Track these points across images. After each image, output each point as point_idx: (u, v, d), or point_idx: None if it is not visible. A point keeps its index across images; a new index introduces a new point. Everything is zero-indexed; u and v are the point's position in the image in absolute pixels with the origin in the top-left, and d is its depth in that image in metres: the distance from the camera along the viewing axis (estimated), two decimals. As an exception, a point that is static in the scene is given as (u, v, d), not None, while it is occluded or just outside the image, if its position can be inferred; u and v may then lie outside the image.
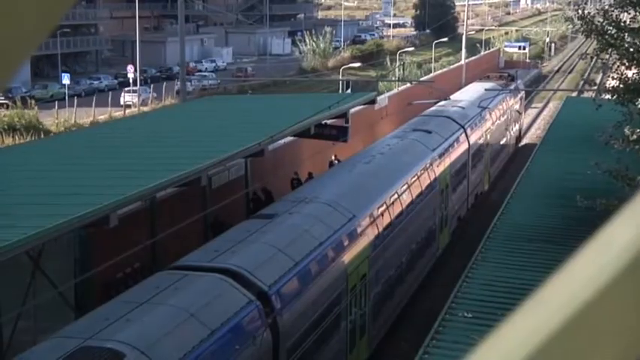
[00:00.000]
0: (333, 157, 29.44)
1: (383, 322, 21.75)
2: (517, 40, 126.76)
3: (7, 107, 61.79)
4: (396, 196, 23.18)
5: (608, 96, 17.63)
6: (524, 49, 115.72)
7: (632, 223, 0.36)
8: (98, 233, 16.25)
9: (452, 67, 75.25)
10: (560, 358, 0.37)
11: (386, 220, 21.88)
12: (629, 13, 15.86)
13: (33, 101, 63.78)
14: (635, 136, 13.91)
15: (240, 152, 21.00)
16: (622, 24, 15.97)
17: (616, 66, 16.98)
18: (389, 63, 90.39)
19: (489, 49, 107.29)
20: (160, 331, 12.47)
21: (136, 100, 66.71)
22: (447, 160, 29.64)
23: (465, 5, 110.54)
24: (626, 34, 15.72)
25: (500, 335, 0.39)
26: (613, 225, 0.38)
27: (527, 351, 0.37)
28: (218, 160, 19.75)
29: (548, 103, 66.18)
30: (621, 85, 15.92)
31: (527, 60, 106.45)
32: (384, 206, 22.08)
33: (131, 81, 71.75)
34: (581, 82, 78.21)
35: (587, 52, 20.26)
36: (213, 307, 13.73)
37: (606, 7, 16.40)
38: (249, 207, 24.41)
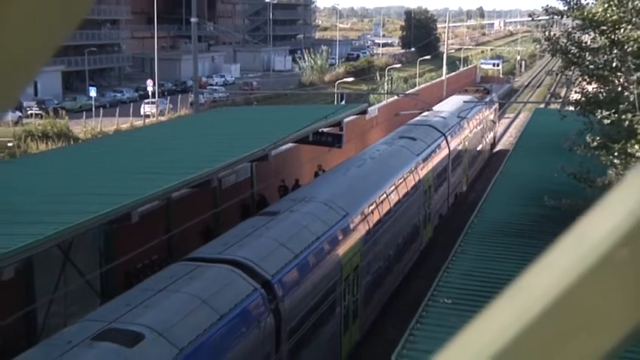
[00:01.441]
0: (317, 168, 29.25)
1: (373, 308, 21.78)
2: (492, 58, 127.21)
3: (41, 117, 62.01)
4: (384, 195, 23.22)
5: (571, 108, 17.67)
6: (498, 65, 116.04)
7: (606, 218, 0.36)
8: (121, 228, 16.25)
9: (434, 81, 75.44)
10: (539, 342, 0.36)
11: (376, 217, 21.92)
12: (590, 35, 15.89)
13: (64, 112, 64.23)
14: (595, 143, 13.91)
15: (246, 157, 21.05)
16: (583, 45, 16.01)
17: (578, 81, 17.03)
18: (378, 78, 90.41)
19: (467, 65, 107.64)
20: (175, 315, 12.48)
21: (154, 110, 66.88)
22: (430, 164, 29.69)
23: (445, 27, 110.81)
24: (587, 53, 15.77)
25: (484, 320, 0.39)
26: (588, 219, 0.37)
27: (510, 336, 0.37)
28: (227, 164, 19.77)
29: (519, 113, 66.30)
30: (583, 99, 15.97)
31: (501, 75, 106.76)
32: (374, 205, 22.12)
33: (150, 94, 71.99)
34: (548, 96, 78.34)
35: (553, 69, 20.32)
36: (223, 294, 13.73)
37: (570, 29, 16.44)
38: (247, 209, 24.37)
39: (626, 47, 13.64)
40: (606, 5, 13.92)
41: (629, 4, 13.80)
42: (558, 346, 0.36)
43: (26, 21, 0.38)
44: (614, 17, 13.85)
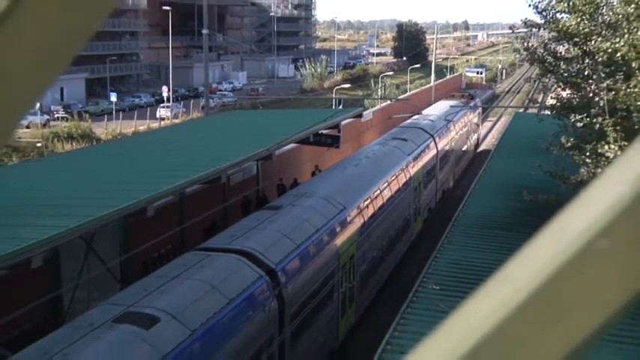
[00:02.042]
0: (314, 168, 29.17)
1: (368, 293, 21.80)
2: (476, 67, 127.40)
3: (67, 120, 62.25)
4: (378, 191, 23.23)
5: (548, 112, 17.68)
6: (481, 73, 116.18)
7: (587, 210, 0.35)
8: (138, 221, 16.27)
9: (423, 87, 75.35)
10: (523, 328, 0.36)
11: (370, 211, 21.93)
12: (564, 46, 15.91)
13: (87, 115, 64.55)
14: (569, 144, 13.91)
15: (252, 156, 21.05)
16: (558, 55, 16.04)
17: (554, 88, 17.05)
18: (373, 84, 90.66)
19: (453, 73, 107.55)
20: (188, 300, 12.50)
21: (169, 114, 67.04)
22: (420, 163, 29.70)
23: (433, 38, 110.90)
24: (562, 62, 15.79)
25: (470, 307, 0.38)
26: (569, 211, 0.37)
27: (495, 322, 0.36)
28: (234, 162, 19.77)
29: (500, 117, 66.20)
30: (558, 104, 15.99)
31: (484, 82, 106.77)
32: (369, 200, 22.13)
33: (165, 99, 72.09)
34: (527, 101, 78.29)
35: (531, 76, 20.38)
36: (231, 281, 13.76)
37: (546, 41, 16.46)
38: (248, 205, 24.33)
39: (596, 57, 13.65)
40: (579, 19, 13.92)
41: (599, 18, 13.82)
42: (541, 331, 0.36)
43: (44, 31, 0.38)
44: (586, 30, 13.86)
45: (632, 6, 12.20)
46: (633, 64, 12.54)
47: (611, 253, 0.35)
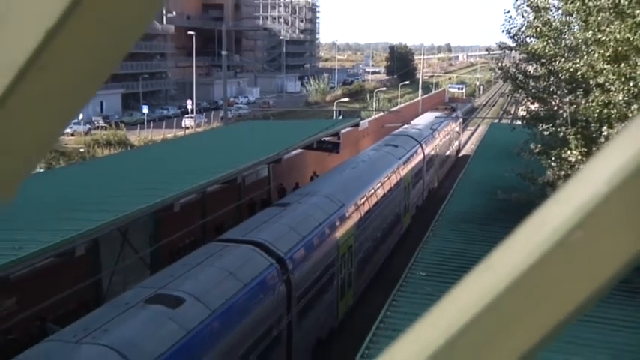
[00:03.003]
0: (312, 173, 28.99)
1: (364, 279, 21.80)
2: (457, 83, 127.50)
3: (106, 129, 62.40)
4: (373, 190, 23.23)
5: (519, 122, 17.69)
6: (462, 89, 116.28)
7: (564, 205, 0.35)
8: (166, 216, 16.30)
9: (412, 101, 75.31)
10: (506, 313, 0.36)
11: (366, 207, 21.94)
12: (532, 66, 15.92)
13: (123, 125, 64.67)
14: (537, 150, 13.92)
15: (264, 160, 21.08)
16: (527, 73, 16.05)
17: (524, 102, 17.05)
18: (368, 98, 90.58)
19: (438, 89, 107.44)
20: (209, 284, 12.52)
21: (193, 124, 67.04)
22: (409, 166, 29.68)
23: (421, 59, 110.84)
24: (530, 80, 15.81)
25: (457, 295, 0.39)
26: (547, 207, 0.37)
27: (481, 305, 0.36)
28: (249, 165, 19.80)
29: (478, 127, 66.09)
30: (527, 115, 16.00)
31: (464, 97, 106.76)
32: (365, 198, 22.13)
33: (189, 110, 72.02)
34: (501, 112, 78.28)
35: (505, 91, 20.42)
36: (246, 267, 13.77)
37: (517, 61, 16.48)
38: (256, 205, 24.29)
39: (560, 76, 13.67)
40: (545, 43, 13.93)
41: (562, 42, 13.83)
42: (522, 314, 0.36)
43: (87, 53, 0.40)
44: (551, 52, 13.87)
45: (590, 32, 12.20)
46: (591, 82, 12.55)
47: (586, 243, 0.35)
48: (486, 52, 21.98)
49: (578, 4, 12.57)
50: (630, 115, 11.50)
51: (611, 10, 11.61)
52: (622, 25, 11.26)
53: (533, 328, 0.36)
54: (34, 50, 0.39)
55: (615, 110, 11.92)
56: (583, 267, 0.35)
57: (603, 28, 11.76)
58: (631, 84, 11.42)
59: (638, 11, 11.03)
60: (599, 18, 12.00)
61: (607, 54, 11.74)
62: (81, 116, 63.72)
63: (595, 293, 0.35)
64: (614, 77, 11.70)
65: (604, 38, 11.66)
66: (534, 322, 0.36)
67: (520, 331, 0.36)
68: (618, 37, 11.31)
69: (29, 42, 0.39)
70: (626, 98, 11.60)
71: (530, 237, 0.36)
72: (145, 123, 67.72)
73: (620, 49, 11.46)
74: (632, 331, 9.61)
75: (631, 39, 11.17)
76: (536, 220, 0.36)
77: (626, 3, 11.27)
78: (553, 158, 13.35)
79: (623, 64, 11.54)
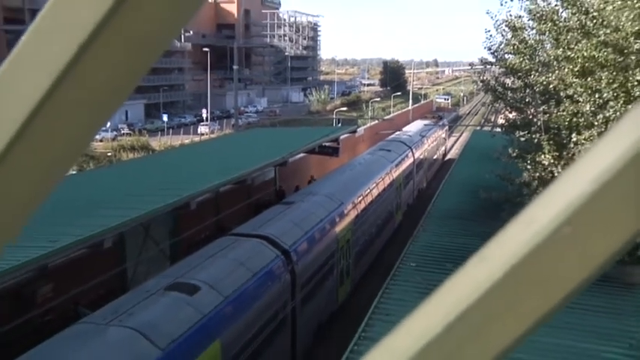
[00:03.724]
0: (310, 178, 28.64)
1: (360, 269, 21.79)
2: (443, 94, 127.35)
3: (130, 135, 62.56)
4: (368, 190, 23.23)
5: (498, 129, 17.67)
6: (447, 99, 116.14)
7: (553, 203, 0.35)
8: (183, 213, 16.31)
9: (403, 110, 75.33)
10: (499, 303, 0.36)
11: (362, 205, 21.93)
12: (510, 79, 15.90)
13: (145, 131, 64.63)
14: (514, 154, 13.88)
15: (271, 163, 21.07)
16: (506, 85, 16.05)
17: (503, 111, 17.03)
18: (364, 107, 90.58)
19: (426, 99, 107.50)
20: (222, 273, 12.52)
21: (207, 130, 67.23)
22: (401, 168, 29.67)
23: (411, 72, 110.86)
24: (508, 91, 15.80)
25: (455, 283, 0.38)
26: (537, 203, 0.36)
27: (476, 295, 0.36)
28: (257, 167, 19.80)
29: (462, 133, 66.03)
30: (506, 123, 15.98)
31: (450, 106, 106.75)
32: (362, 197, 22.13)
33: (204, 118, 72.18)
34: (482, 121, 78.20)
35: (486, 102, 20.43)
36: (255, 259, 13.77)
37: (497, 75, 16.47)
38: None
39: (535, 88, 13.65)
40: (521, 59, 13.91)
41: (537, 58, 13.81)
42: (514, 303, 0.36)
43: (114, 68, 0.41)
44: (527, 67, 13.85)
45: (560, 50, 12.19)
46: (562, 94, 12.53)
47: (573, 238, 0.35)
48: (469, 67, 21.95)
49: (550, 24, 12.57)
50: (596, 123, 11.50)
51: (579, 31, 11.62)
52: (588, 44, 11.27)
53: (525, 315, 0.36)
54: (68, 62, 0.39)
55: (583, 119, 11.92)
56: (571, 260, 0.35)
57: (572, 46, 11.77)
58: (597, 96, 11.43)
59: (601, 32, 11.04)
60: (568, 37, 12.01)
61: (575, 69, 11.74)
62: (108, 124, 63.82)
63: (582, 283, 0.35)
64: (582, 90, 11.71)
65: (573, 55, 11.66)
66: (526, 310, 0.36)
67: (513, 318, 0.36)
68: (585, 54, 11.33)
69: (64, 54, 0.39)
70: (592, 108, 11.60)
71: (521, 232, 0.36)
72: (165, 130, 67.93)
73: (586, 64, 11.47)
74: (604, 315, 9.60)
75: (596, 56, 11.18)
76: (527, 216, 0.36)
77: (591, 24, 11.30)
78: (529, 161, 13.34)
79: (589, 79, 11.55)
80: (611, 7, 10.82)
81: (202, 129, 68.59)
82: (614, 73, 10.99)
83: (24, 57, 0.41)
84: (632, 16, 10.33)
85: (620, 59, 10.88)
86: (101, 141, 58.83)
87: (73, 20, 0.39)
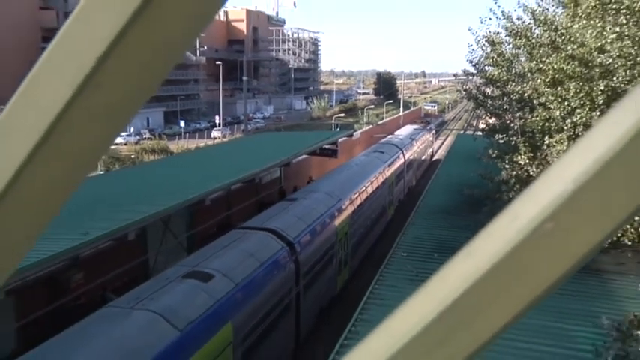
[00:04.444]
0: (308, 179, 28.26)
1: (357, 258, 21.77)
2: (431, 102, 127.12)
3: (151, 139, 62.64)
4: (364, 188, 23.21)
5: (480, 133, 17.66)
6: (434, 107, 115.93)
7: (535, 200, 0.34)
8: (199, 209, 16.31)
9: (395, 116, 75.27)
10: (486, 294, 0.36)
11: (359, 201, 21.91)
12: (490, 88, 15.90)
13: (164, 136, 64.62)
14: (494, 155, 13.87)
15: (276, 164, 21.08)
16: (486, 94, 16.06)
17: (484, 117, 17.02)
18: (360, 114, 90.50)
19: (415, 106, 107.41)
20: (233, 263, 12.50)
21: (219, 135, 67.20)
22: (393, 168, 29.63)
23: (401, 82, 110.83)
24: (488, 99, 15.81)
25: (442, 276, 0.38)
26: (520, 201, 0.36)
27: (463, 287, 0.36)
28: (264, 168, 19.80)
29: (448, 137, 66.07)
30: (487, 127, 15.97)
31: (436, 113, 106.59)
32: (358, 194, 22.10)
33: (217, 124, 72.10)
34: (466, 125, 78.09)
35: (468, 109, 20.42)
36: (263, 249, 13.75)
37: (478, 84, 16.47)
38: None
39: (511, 96, 13.64)
40: (499, 70, 13.90)
41: (513, 70, 13.80)
42: (501, 294, 0.35)
43: (130, 80, 0.40)
44: (504, 78, 13.83)
45: (534, 62, 12.19)
46: (535, 102, 12.51)
47: (555, 233, 0.34)
48: (454, 77, 21.94)
49: (524, 40, 12.59)
50: (565, 127, 11.50)
51: (549, 46, 11.65)
52: (558, 58, 11.29)
53: (510, 306, 0.36)
54: (87, 73, 0.39)
55: (554, 124, 11.91)
56: (553, 254, 0.34)
57: (544, 59, 11.77)
58: (565, 104, 11.44)
59: (569, 47, 11.07)
60: (540, 51, 12.02)
61: (547, 80, 11.75)
62: (132, 129, 64.01)
63: (562, 276, 0.35)
64: (553, 98, 11.71)
65: (544, 67, 11.67)
66: (511, 301, 0.35)
67: (499, 309, 0.36)
68: (555, 66, 11.34)
69: (84, 66, 0.39)
70: (562, 115, 11.60)
71: (505, 228, 0.35)
72: (182, 135, 68.07)
73: (556, 76, 11.48)
74: (575, 298, 9.60)
75: (565, 68, 11.20)
76: (511, 212, 0.35)
77: (560, 40, 11.35)
78: (507, 162, 13.33)
79: (559, 88, 11.56)
80: (577, 26, 10.86)
81: (215, 134, 68.60)
82: (581, 84, 11.01)
83: (47, 69, 0.41)
84: (594, 34, 10.36)
85: (585, 71, 10.91)
86: (125, 144, 58.89)
87: (92, 35, 0.39)
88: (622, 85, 10.21)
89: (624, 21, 9.44)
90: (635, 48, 9.74)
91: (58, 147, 0.41)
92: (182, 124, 72.84)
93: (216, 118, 73.79)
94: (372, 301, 10.29)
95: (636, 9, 9.14)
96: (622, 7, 9.34)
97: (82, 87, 0.39)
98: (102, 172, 28.24)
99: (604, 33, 10.04)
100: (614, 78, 10.38)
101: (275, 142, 28.30)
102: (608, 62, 10.40)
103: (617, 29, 9.57)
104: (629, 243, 11.08)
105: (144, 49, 0.39)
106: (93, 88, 0.39)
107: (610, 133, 0.33)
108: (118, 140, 60.30)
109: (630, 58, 9.98)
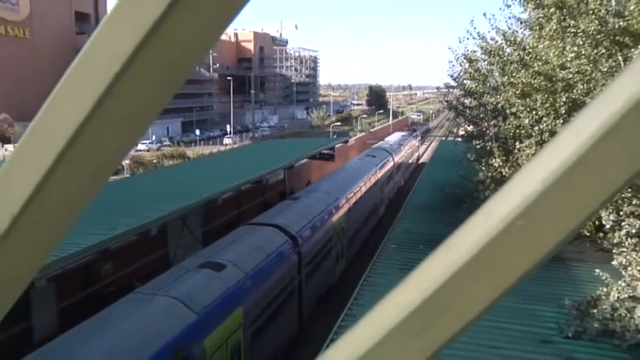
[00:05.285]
0: (307, 182, 28.41)
1: (352, 250, 21.74)
2: (416, 112, 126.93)
3: (170, 146, 62.62)
4: (358, 188, 23.18)
5: (460, 139, 17.64)
6: (420, 116, 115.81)
7: (508, 199, 0.34)
8: (212, 207, 16.28)
9: (385, 124, 75.24)
10: (465, 281, 0.36)
11: (354, 199, 21.89)
12: (468, 100, 15.89)
13: (182, 143, 64.60)
14: (472, 158, 13.85)
15: (281, 166, 21.06)
16: (465, 105, 16.04)
17: (463, 124, 17.00)
18: (354, 122, 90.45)
19: (403, 116, 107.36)
20: (244, 254, 12.48)
21: (230, 141, 67.15)
22: (383, 170, 29.61)
23: (391, 95, 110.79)
24: (467, 109, 15.79)
25: (426, 267, 0.37)
26: (494, 200, 0.35)
27: (445, 277, 0.35)
28: (270, 170, 19.78)
29: (432, 142, 65.99)
30: (465, 134, 15.95)
31: (422, 121, 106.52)
32: (353, 193, 22.08)
33: (228, 132, 72.05)
34: (447, 132, 78.04)
35: (450, 117, 20.39)
36: (269, 242, 13.73)
37: (458, 96, 16.46)
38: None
39: (487, 107, 13.64)
40: (476, 84, 13.91)
41: (488, 83, 13.80)
42: (477, 282, 0.35)
43: (147, 93, 0.40)
44: (481, 90, 13.83)
45: (506, 77, 12.22)
46: (507, 111, 12.52)
47: (525, 230, 0.34)
48: (437, 90, 21.95)
49: (497, 58, 12.64)
50: (533, 134, 11.50)
51: (519, 63, 11.71)
52: (526, 73, 11.34)
53: (486, 294, 0.35)
54: (107, 86, 0.39)
55: (524, 131, 11.91)
56: (523, 249, 0.34)
57: (514, 74, 11.80)
58: (533, 113, 11.46)
59: (535, 64, 11.14)
60: (511, 68, 12.05)
61: (517, 92, 11.76)
62: (153, 137, 63.99)
63: (532, 268, 0.35)
64: (522, 108, 11.72)
65: (515, 81, 11.70)
66: (487, 290, 0.35)
67: (476, 297, 0.35)
68: (524, 81, 11.37)
69: (104, 80, 0.39)
70: (530, 122, 11.62)
71: (481, 224, 0.35)
72: (197, 142, 68.12)
73: (525, 89, 11.51)
74: (542, 283, 9.60)
75: (532, 82, 11.26)
76: (486, 210, 0.35)
77: (528, 58, 11.42)
78: (483, 164, 13.31)
79: (528, 99, 11.58)
80: (541, 46, 10.93)
81: (226, 141, 68.70)
82: (546, 96, 11.04)
83: (72, 82, 0.40)
84: (557, 53, 10.44)
85: (549, 85, 10.95)
86: (148, 151, 58.96)
87: (110, 51, 0.39)
88: (581, 97, 10.25)
89: (581, 42, 9.52)
90: (591, 65, 9.80)
91: (82, 152, 0.40)
92: (197, 132, 72.97)
93: (228, 127, 73.91)
94: (366, 287, 10.28)
95: (590, 32, 9.22)
96: (579, 31, 9.42)
97: (101, 99, 0.39)
98: (127, 175, 28.23)
99: (564, 52, 10.10)
100: (574, 91, 10.44)
101: (279, 148, 28.27)
102: (568, 77, 10.46)
103: (576, 49, 9.64)
104: (588, 234, 11.11)
105: (156, 67, 0.39)
106: (111, 100, 0.39)
107: (573, 140, 0.33)
108: (141, 147, 60.29)
109: (587, 74, 10.05)
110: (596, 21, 9.07)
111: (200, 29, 0.39)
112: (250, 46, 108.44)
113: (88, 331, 8.49)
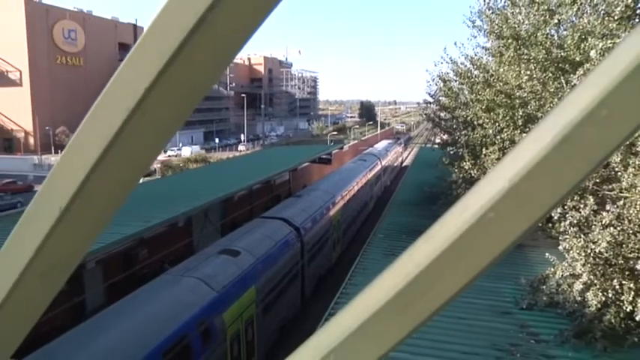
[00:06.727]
0: (303, 185, 28.10)
1: (347, 239, 21.70)
2: (400, 123, 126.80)
3: (203, 149, 62.48)
4: (352, 187, 23.15)
5: (436, 146, 17.62)
6: (403, 126, 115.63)
7: (480, 195, 0.34)
8: (229, 203, 16.25)
9: (374, 134, 75.16)
10: (444, 267, 0.35)
11: (348, 197, 21.85)
12: (443, 113, 15.89)
13: (204, 150, 64.30)
14: (447, 162, 13.85)
15: (287, 169, 21.02)
16: (440, 117, 16.04)
17: (439, 133, 16.99)
18: (348, 132, 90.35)
19: (389, 126, 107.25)
20: (255, 242, 12.48)
21: (244, 148, 67.06)
22: (373, 172, 29.56)
23: (379, 109, 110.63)
24: (442, 121, 15.79)
25: (409, 254, 0.37)
26: (468, 195, 0.35)
27: (425, 263, 0.35)
28: (277, 172, 19.74)
29: (413, 149, 65.82)
30: (441, 142, 15.93)
31: (405, 131, 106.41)
32: (347, 191, 22.05)
33: (242, 140, 71.95)
34: (426, 140, 77.95)
35: (428, 128, 20.34)
36: (277, 233, 13.72)
37: (435, 110, 16.45)
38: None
39: (458, 119, 13.64)
40: (449, 100, 13.92)
41: (459, 99, 13.81)
42: (454, 265, 0.35)
43: (172, 108, 0.40)
44: (453, 105, 13.84)
45: (473, 95, 12.25)
46: (475, 123, 12.53)
47: (495, 221, 0.34)
48: (417, 105, 21.94)
49: (466, 79, 12.69)
50: (496, 142, 11.51)
51: (484, 83, 11.78)
52: (490, 91, 11.41)
53: (462, 277, 0.35)
54: (138, 101, 0.39)
55: (489, 139, 11.94)
56: (494, 237, 0.34)
57: (480, 92, 11.84)
58: (496, 125, 11.51)
59: (497, 84, 11.22)
60: (478, 87, 12.10)
61: (483, 107, 11.81)
62: (180, 145, 63.98)
63: (501, 253, 0.35)
64: (487, 120, 11.77)
65: (481, 98, 11.75)
66: (463, 273, 0.35)
67: (454, 279, 0.35)
68: (488, 97, 11.43)
69: (135, 96, 0.39)
70: (494, 132, 11.66)
71: (457, 216, 0.35)
72: (217, 148, 67.89)
73: (489, 104, 11.56)
74: (502, 265, 9.61)
75: (495, 99, 11.33)
76: (461, 204, 0.35)
77: (491, 79, 11.48)
78: (456, 167, 13.31)
79: (492, 113, 11.63)
80: (502, 69, 11.08)
81: (241, 147, 68.69)
82: (506, 110, 11.10)
83: (106, 100, 0.40)
84: (514, 75, 10.56)
85: (509, 102, 11.02)
86: (176, 156, 58.78)
87: (139, 73, 0.39)
88: (534, 112, 10.34)
89: (533, 67, 9.64)
90: (541, 86, 9.89)
91: (117, 157, 0.41)
92: (217, 140, 72.77)
93: (242, 135, 73.86)
94: (358, 270, 10.28)
95: (539, 59, 9.37)
96: (531, 58, 9.56)
97: (132, 114, 0.39)
98: (159, 177, 28.19)
99: (520, 75, 10.19)
100: (529, 107, 10.52)
101: (285, 154, 28.22)
102: (524, 96, 10.55)
103: (529, 73, 9.74)
104: (541, 225, 11.11)
105: (179, 86, 0.39)
106: (140, 114, 0.39)
107: (533, 146, 0.33)
108: (171, 153, 60.20)
109: (538, 93, 10.15)
110: (544, 51, 9.21)
111: (215, 54, 0.39)
112: (261, 68, 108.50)
113: (130, 304, 8.60)
